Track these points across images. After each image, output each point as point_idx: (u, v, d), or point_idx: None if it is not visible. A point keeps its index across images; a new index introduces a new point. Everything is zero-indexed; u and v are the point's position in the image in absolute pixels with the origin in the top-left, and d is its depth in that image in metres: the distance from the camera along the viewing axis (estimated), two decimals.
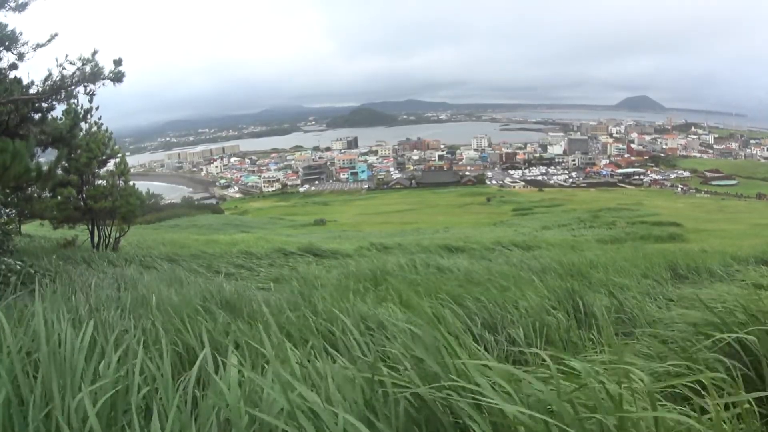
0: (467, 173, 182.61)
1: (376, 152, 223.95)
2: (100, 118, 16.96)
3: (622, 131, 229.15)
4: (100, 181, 17.62)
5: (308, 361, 2.77)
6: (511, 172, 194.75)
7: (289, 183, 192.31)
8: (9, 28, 10.04)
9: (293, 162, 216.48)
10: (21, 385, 2.25)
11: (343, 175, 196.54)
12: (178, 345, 3.80)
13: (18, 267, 8.59)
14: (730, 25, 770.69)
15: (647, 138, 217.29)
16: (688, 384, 2.35)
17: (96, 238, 17.59)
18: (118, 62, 10.96)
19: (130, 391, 2.35)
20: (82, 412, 2.15)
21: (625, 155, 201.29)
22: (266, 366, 2.75)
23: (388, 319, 3.80)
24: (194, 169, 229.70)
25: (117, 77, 10.95)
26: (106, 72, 10.79)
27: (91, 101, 13.77)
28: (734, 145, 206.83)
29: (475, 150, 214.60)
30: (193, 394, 2.31)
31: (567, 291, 6.53)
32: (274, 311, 5.47)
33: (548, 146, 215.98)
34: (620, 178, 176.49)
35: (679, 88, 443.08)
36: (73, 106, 13.11)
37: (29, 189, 13.33)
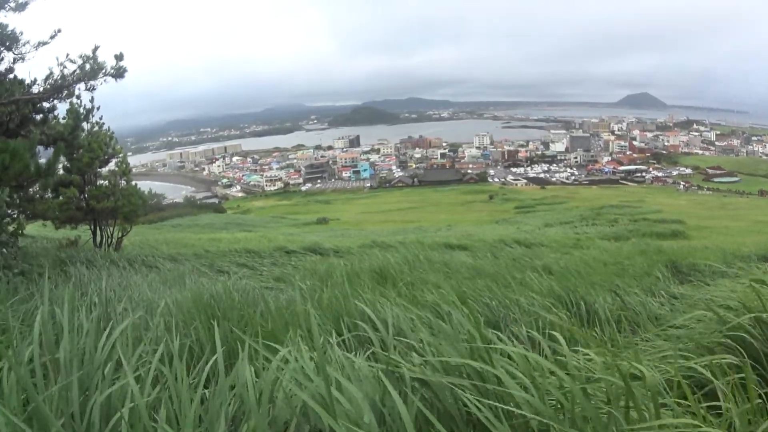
0: (469, 171, 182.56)
1: (378, 150, 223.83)
2: (101, 118, 16.93)
3: (624, 128, 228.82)
4: (102, 181, 17.59)
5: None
6: (514, 169, 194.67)
7: (291, 182, 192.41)
8: (9, 29, 10.05)
9: (295, 161, 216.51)
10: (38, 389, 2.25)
11: (346, 174, 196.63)
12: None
13: (23, 267, 8.60)
14: (730, 22, 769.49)
15: (649, 135, 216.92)
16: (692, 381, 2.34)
17: (98, 238, 17.59)
18: (119, 57, 10.94)
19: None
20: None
21: (627, 152, 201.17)
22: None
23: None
24: (196, 169, 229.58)
25: (118, 73, 10.94)
26: (108, 68, 10.79)
27: (92, 100, 13.76)
28: (736, 142, 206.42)
29: (477, 148, 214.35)
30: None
31: (569, 289, 6.53)
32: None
33: (550, 144, 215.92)
34: (622, 175, 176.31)
35: (680, 85, 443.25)
36: (75, 105, 13.10)
37: (31, 189, 13.34)
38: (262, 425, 2.03)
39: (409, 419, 1.92)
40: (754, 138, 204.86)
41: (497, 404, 2.08)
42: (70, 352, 2.43)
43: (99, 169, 17.58)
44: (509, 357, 2.39)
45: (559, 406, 2.15)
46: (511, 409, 2.08)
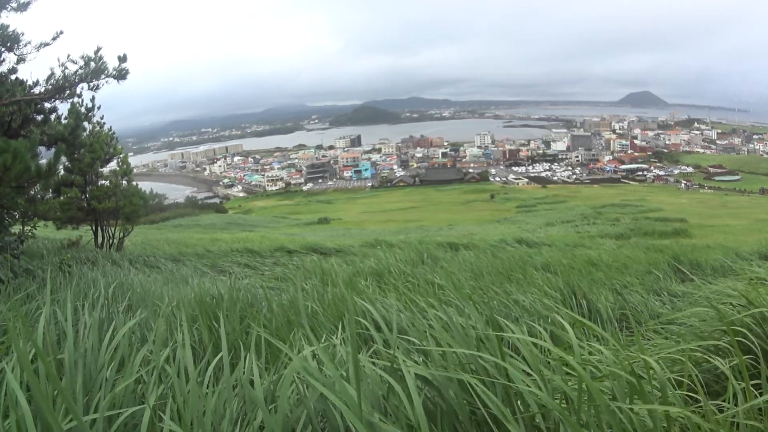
0: (471, 170, 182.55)
1: (379, 150, 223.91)
2: (102, 118, 16.96)
3: (625, 127, 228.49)
4: (103, 182, 17.60)
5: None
6: (515, 168, 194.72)
7: (292, 182, 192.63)
8: (11, 29, 10.05)
9: (297, 161, 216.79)
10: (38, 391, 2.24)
11: (347, 174, 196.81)
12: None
13: (28, 268, 8.62)
14: (730, 21, 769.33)
15: (650, 134, 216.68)
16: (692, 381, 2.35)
17: (100, 239, 17.59)
18: (122, 59, 10.90)
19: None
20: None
21: (629, 151, 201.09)
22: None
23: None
24: (197, 169, 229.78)
25: (120, 74, 10.90)
26: (110, 69, 10.76)
27: (93, 99, 13.76)
28: (737, 141, 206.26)
29: (479, 147, 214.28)
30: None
31: (571, 288, 6.53)
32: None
33: (551, 143, 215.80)
34: (624, 174, 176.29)
35: (681, 84, 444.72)
36: (77, 106, 13.10)
37: (32, 190, 13.34)
38: (270, 423, 2.03)
39: (423, 416, 1.92)
40: (755, 136, 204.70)
41: (507, 400, 2.08)
42: (74, 352, 2.44)
43: (100, 170, 17.58)
44: (516, 352, 2.39)
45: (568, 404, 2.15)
46: (516, 405, 2.08)
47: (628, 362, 2.12)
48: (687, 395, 2.32)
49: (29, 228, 12.70)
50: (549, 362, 2.40)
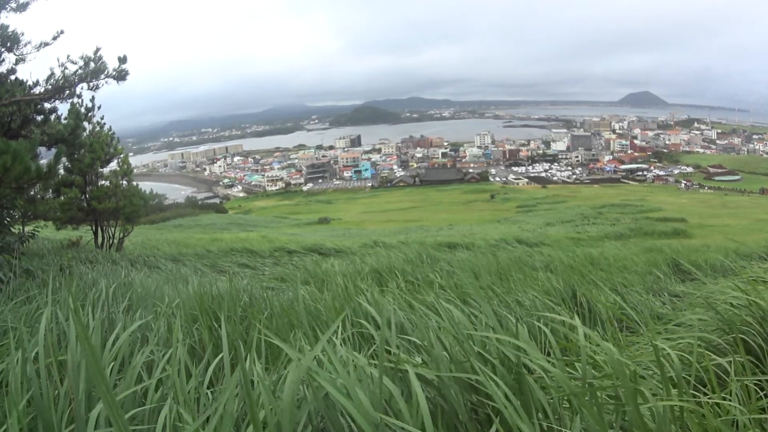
0: (471, 170, 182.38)
1: (379, 150, 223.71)
2: (102, 118, 16.98)
3: (625, 127, 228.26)
4: (103, 182, 17.62)
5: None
6: (515, 168, 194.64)
7: (292, 182, 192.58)
8: (10, 29, 10.04)
9: (297, 161, 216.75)
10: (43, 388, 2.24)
11: (347, 174, 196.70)
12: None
13: (28, 269, 8.62)
14: (730, 21, 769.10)
15: (650, 134, 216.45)
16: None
17: (100, 239, 17.59)
18: (122, 60, 10.90)
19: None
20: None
21: (628, 151, 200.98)
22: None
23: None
24: (197, 169, 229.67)
25: (120, 75, 10.90)
26: (110, 70, 10.76)
27: (92, 99, 13.76)
28: (737, 141, 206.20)
29: (479, 147, 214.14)
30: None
31: (570, 288, 6.52)
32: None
33: (551, 143, 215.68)
34: (623, 174, 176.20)
35: (681, 84, 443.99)
36: (76, 106, 13.12)
37: (32, 190, 13.33)
38: (272, 423, 2.03)
39: (430, 421, 1.92)
40: (755, 136, 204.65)
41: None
42: (78, 353, 2.43)
43: (100, 170, 17.60)
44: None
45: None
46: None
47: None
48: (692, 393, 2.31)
49: (31, 229, 12.69)
50: (550, 361, 2.40)
